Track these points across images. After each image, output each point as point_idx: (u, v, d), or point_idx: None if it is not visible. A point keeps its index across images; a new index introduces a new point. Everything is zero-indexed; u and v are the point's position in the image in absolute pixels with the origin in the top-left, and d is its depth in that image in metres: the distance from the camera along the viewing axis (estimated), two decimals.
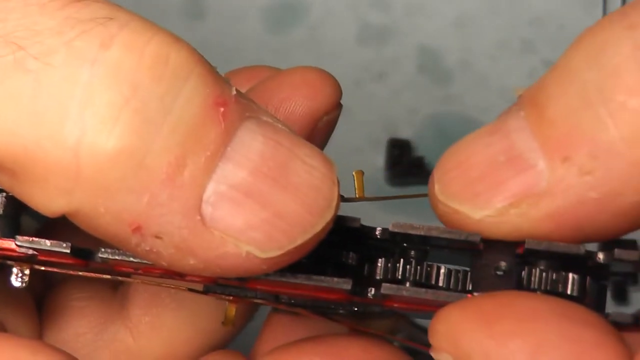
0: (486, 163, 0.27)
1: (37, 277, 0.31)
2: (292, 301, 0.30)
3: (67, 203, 0.24)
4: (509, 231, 0.27)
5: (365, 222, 0.29)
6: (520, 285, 0.28)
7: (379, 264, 0.28)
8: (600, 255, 0.27)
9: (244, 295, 0.30)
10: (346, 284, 0.27)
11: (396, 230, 0.27)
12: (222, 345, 0.34)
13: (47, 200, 0.24)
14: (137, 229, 0.24)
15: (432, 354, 0.26)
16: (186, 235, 0.24)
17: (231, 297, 0.30)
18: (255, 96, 0.32)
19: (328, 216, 0.25)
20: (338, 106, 0.33)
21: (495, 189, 0.26)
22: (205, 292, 0.29)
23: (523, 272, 0.28)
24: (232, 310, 0.31)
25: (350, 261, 0.28)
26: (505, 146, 0.27)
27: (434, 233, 0.27)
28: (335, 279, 0.27)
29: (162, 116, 0.24)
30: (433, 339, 0.26)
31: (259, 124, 0.25)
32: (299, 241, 0.25)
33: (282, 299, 0.30)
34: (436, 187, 0.27)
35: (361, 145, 0.64)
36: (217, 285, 0.29)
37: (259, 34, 0.65)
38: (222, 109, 0.25)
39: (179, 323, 0.33)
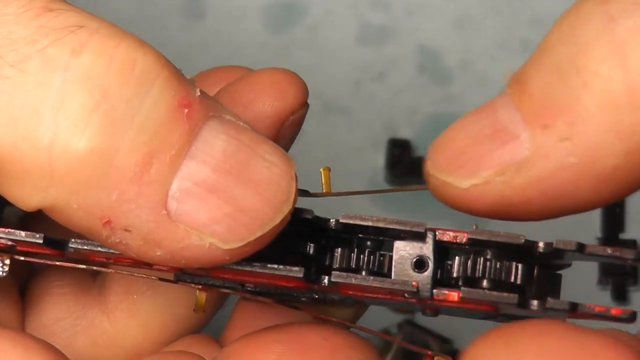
0: (473, 137, 0.28)
1: (20, 266, 0.34)
2: (257, 289, 0.32)
3: (42, 199, 0.26)
4: (495, 199, 0.28)
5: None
6: (442, 276, 0.30)
7: (336, 254, 0.30)
8: (541, 245, 0.29)
9: (212, 284, 0.31)
10: (298, 272, 0.29)
11: (345, 221, 0.29)
12: (195, 330, 0.36)
13: (24, 196, 0.26)
14: (107, 223, 0.26)
15: None
16: (153, 228, 0.26)
17: (200, 286, 0.32)
18: (226, 96, 0.34)
19: (286, 209, 0.27)
20: (304, 105, 0.35)
21: (481, 159, 0.28)
22: (175, 280, 0.31)
23: (469, 262, 0.29)
24: (202, 297, 0.32)
25: (309, 251, 0.30)
26: (491, 121, 0.29)
27: (382, 224, 0.29)
28: (288, 267, 0.29)
29: (130, 118, 0.26)
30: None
31: (222, 123, 0.27)
32: (259, 233, 0.27)
33: (247, 287, 0.31)
34: (428, 163, 0.29)
35: (361, 145, 0.64)
36: (187, 274, 0.31)
37: (259, 34, 0.65)
38: (186, 110, 0.26)
39: (154, 309, 0.35)
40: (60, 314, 0.35)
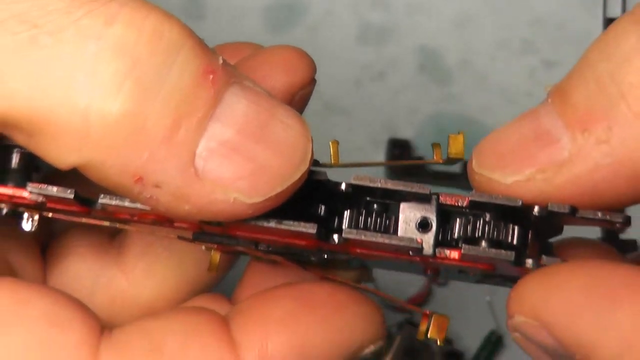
0: (517, 139, 0.31)
1: (42, 228, 0.35)
2: (270, 248, 0.33)
3: (77, 158, 0.28)
4: (535, 195, 0.31)
5: None
6: (444, 237, 0.32)
7: (346, 215, 0.32)
8: (536, 208, 0.31)
9: (227, 243, 0.33)
10: (312, 228, 0.30)
11: (356, 182, 0.31)
12: (206, 290, 0.38)
13: (61, 156, 0.28)
14: (139, 180, 0.28)
15: (511, 320, 0.30)
16: (181, 185, 0.28)
17: (215, 246, 0.34)
18: (253, 65, 0.36)
19: (303, 168, 0.29)
20: (312, 82, 0.38)
21: (525, 159, 0.31)
22: (193, 240, 0.33)
23: (469, 223, 0.32)
24: (217, 257, 0.35)
25: (321, 212, 0.32)
26: (535, 126, 0.31)
27: (389, 185, 0.31)
28: (302, 223, 0.30)
29: (160, 84, 0.28)
30: (516, 304, 0.30)
31: (243, 89, 0.29)
32: (279, 189, 0.29)
33: (260, 247, 0.33)
34: (474, 162, 0.32)
35: (361, 145, 0.64)
36: (204, 233, 0.32)
37: (259, 34, 0.65)
38: (211, 77, 0.28)
39: (169, 270, 0.37)
40: (81, 272, 0.37)
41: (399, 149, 0.62)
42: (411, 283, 0.56)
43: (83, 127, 0.28)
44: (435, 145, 0.35)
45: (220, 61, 0.29)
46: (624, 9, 0.64)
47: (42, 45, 0.28)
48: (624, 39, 0.29)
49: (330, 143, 0.34)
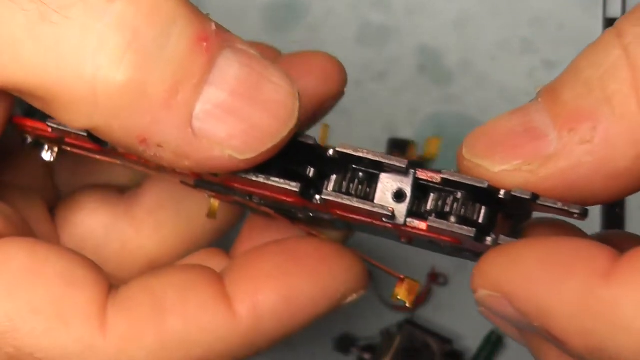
0: (507, 131, 0.33)
1: (48, 190, 0.42)
2: (262, 202, 0.36)
3: (87, 122, 0.31)
4: (520, 184, 0.33)
5: None
6: (417, 209, 0.34)
7: (332, 179, 0.35)
8: (502, 192, 0.33)
9: (225, 192, 0.36)
10: (295, 187, 0.33)
11: (341, 149, 0.34)
12: (208, 244, 0.42)
13: (72, 120, 0.32)
14: (143, 141, 0.31)
15: (476, 294, 0.33)
16: (181, 144, 0.31)
17: (214, 194, 0.37)
18: (282, 64, 0.38)
19: (291, 124, 0.32)
20: (343, 94, 0.41)
21: (513, 150, 0.33)
22: (195, 186, 0.36)
23: (440, 199, 0.34)
24: (216, 204, 0.38)
25: (309, 173, 0.34)
26: (524, 121, 0.33)
27: (371, 156, 0.34)
28: (287, 182, 0.33)
29: (158, 53, 0.31)
30: (478, 279, 0.33)
31: (235, 52, 0.32)
32: (269, 145, 0.32)
33: (254, 199, 0.36)
34: (464, 149, 0.34)
35: (361, 145, 0.64)
36: (203, 181, 0.35)
37: (259, 33, 0.65)
38: (204, 44, 0.31)
39: (175, 226, 0.41)
40: (94, 225, 0.42)
41: (398, 149, 0.62)
42: None
43: (91, 95, 0.31)
44: (410, 144, 0.37)
45: (213, 27, 0.32)
46: (624, 9, 0.64)
47: (51, 21, 0.30)
48: (608, 50, 0.32)
49: (322, 126, 0.36)
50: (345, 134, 0.64)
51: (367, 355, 0.60)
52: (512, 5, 0.65)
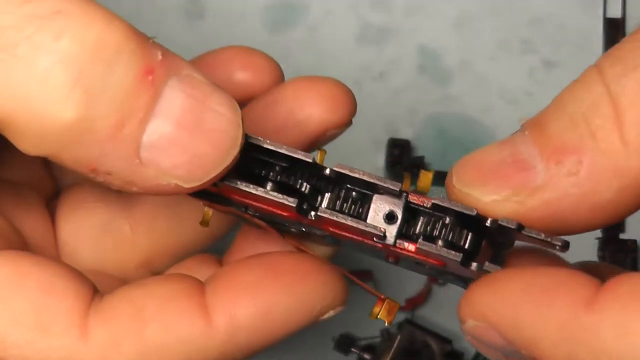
0: (496, 162, 0.34)
1: (46, 183, 0.43)
2: (257, 214, 0.37)
3: (39, 152, 0.32)
4: (509, 213, 0.34)
5: None
6: (407, 231, 0.36)
7: (327, 197, 0.36)
8: (488, 220, 0.34)
9: (222, 202, 0.37)
10: (292, 202, 0.34)
11: (338, 169, 0.35)
12: (202, 250, 0.44)
13: (26, 148, 0.33)
14: (93, 170, 0.33)
15: (463, 325, 0.35)
16: (128, 173, 0.33)
17: (209, 203, 0.38)
18: (287, 94, 0.41)
19: (234, 152, 0.33)
20: (349, 124, 0.42)
21: (502, 180, 0.34)
22: (192, 195, 0.36)
23: (430, 223, 0.36)
24: (209, 213, 0.38)
25: (305, 190, 0.36)
26: (513, 152, 0.35)
27: (366, 177, 0.35)
28: (285, 196, 0.34)
29: (104, 90, 0.31)
30: (466, 310, 0.34)
31: (180, 80, 0.33)
32: (213, 174, 0.33)
33: (249, 211, 0.37)
34: (454, 178, 0.35)
35: (361, 145, 0.64)
36: (201, 191, 0.35)
37: (259, 33, 0.65)
38: (150, 77, 0.32)
39: (170, 229, 0.43)
40: (92, 222, 0.43)
41: (398, 149, 0.62)
42: (411, 283, 0.56)
43: (40, 129, 0.31)
44: (405, 174, 0.38)
45: (159, 57, 0.32)
46: (624, 9, 0.64)
47: None
48: (593, 86, 0.33)
49: (319, 152, 0.37)
50: (345, 134, 0.64)
51: (367, 355, 0.60)
52: (512, 5, 0.65)
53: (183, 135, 0.32)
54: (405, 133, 0.64)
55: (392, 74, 0.64)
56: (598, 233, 0.62)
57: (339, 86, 0.41)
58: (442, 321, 0.62)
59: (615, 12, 0.65)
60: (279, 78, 0.43)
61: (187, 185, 0.33)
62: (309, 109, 0.40)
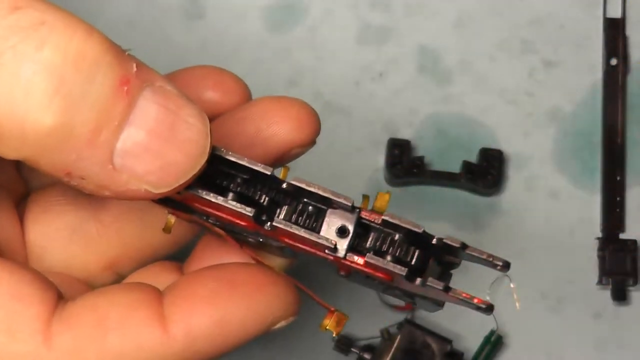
0: None
1: (16, 183, 0.44)
2: (217, 223, 0.39)
3: (17, 155, 0.34)
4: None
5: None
6: (357, 245, 0.37)
7: (284, 209, 0.38)
8: (435, 239, 0.36)
9: (184, 210, 0.39)
10: (250, 212, 0.36)
11: (294, 182, 0.37)
12: (165, 256, 0.45)
13: (4, 151, 0.34)
14: (68, 174, 0.34)
15: None
16: (102, 178, 0.34)
17: (173, 211, 0.39)
18: (255, 112, 0.42)
19: (202, 160, 0.35)
20: (313, 144, 0.43)
21: None
22: (156, 202, 0.38)
23: (380, 238, 0.37)
24: (172, 220, 0.40)
25: (264, 201, 0.37)
26: None
27: (320, 192, 0.37)
28: (243, 206, 0.36)
29: (83, 98, 0.33)
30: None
31: (153, 91, 0.34)
32: (182, 180, 0.35)
33: (209, 220, 0.39)
34: None
35: (361, 145, 0.64)
36: (166, 199, 0.37)
37: (259, 33, 0.65)
38: (125, 88, 0.34)
39: (137, 234, 0.44)
40: (61, 225, 0.44)
41: (398, 149, 0.62)
42: None
43: (20, 134, 0.33)
44: (364, 196, 0.39)
45: (134, 68, 0.34)
46: (624, 9, 0.64)
47: None
48: None
49: (282, 168, 0.39)
50: (346, 134, 0.64)
51: (367, 355, 0.60)
52: (512, 5, 0.65)
53: (155, 143, 0.34)
54: (405, 133, 0.64)
55: (392, 74, 0.64)
56: (598, 233, 0.63)
57: (305, 107, 0.42)
58: (442, 321, 0.62)
59: (615, 12, 0.65)
60: (248, 99, 0.45)
61: (157, 191, 0.35)
62: (275, 127, 0.42)
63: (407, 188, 0.63)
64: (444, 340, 0.60)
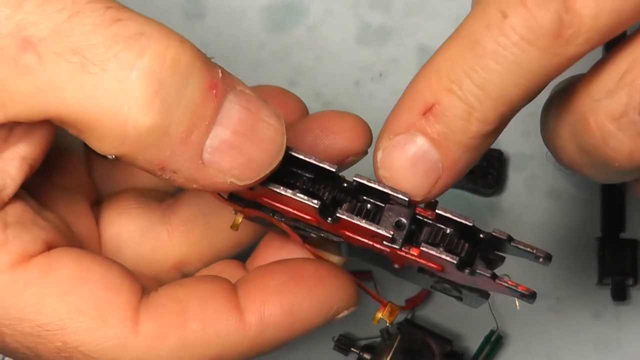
0: None
1: (89, 189, 0.49)
2: (283, 219, 0.42)
3: (115, 151, 0.38)
4: None
5: None
6: (412, 238, 0.40)
7: (344, 207, 0.40)
8: (482, 232, 0.39)
9: (253, 207, 0.42)
10: (316, 204, 0.39)
11: (357, 179, 0.40)
12: (230, 256, 0.48)
13: (103, 149, 0.38)
14: (162, 168, 0.38)
15: None
16: (192, 171, 0.38)
17: (241, 209, 0.43)
18: (314, 123, 0.46)
19: (279, 157, 0.39)
20: (365, 153, 0.46)
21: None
22: (228, 199, 0.42)
23: (432, 232, 0.40)
24: (239, 219, 0.43)
25: (327, 199, 0.41)
26: None
27: (380, 187, 0.39)
28: (309, 198, 0.39)
29: (178, 101, 0.37)
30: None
31: (237, 94, 0.38)
32: (263, 174, 0.38)
33: (276, 216, 0.42)
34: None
35: None
36: (236, 197, 0.42)
37: (259, 33, 0.65)
38: (214, 91, 0.37)
39: (203, 237, 0.47)
40: (133, 227, 0.48)
41: None
42: (410, 283, 0.56)
43: (121, 133, 0.37)
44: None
45: (220, 74, 0.38)
46: None
47: (90, 72, 0.36)
48: None
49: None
50: None
51: (367, 355, 0.60)
52: None
53: (239, 141, 0.38)
54: None
55: (392, 74, 0.64)
56: (598, 233, 0.63)
57: (359, 120, 0.46)
58: (442, 321, 0.62)
59: None
60: (306, 115, 0.49)
61: (241, 184, 0.38)
62: (332, 137, 0.45)
63: None
64: (444, 340, 0.60)
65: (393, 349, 0.59)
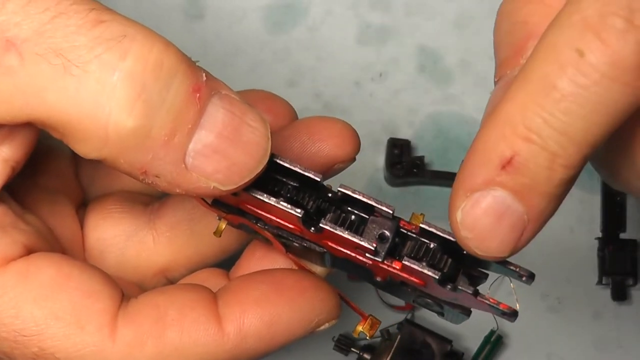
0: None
1: (74, 191, 0.48)
2: (266, 227, 0.41)
3: (97, 155, 0.37)
4: None
5: None
6: (396, 252, 0.40)
7: (328, 217, 0.40)
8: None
9: (236, 213, 0.41)
10: (299, 213, 0.39)
11: (342, 190, 0.40)
12: (213, 264, 0.48)
13: (85, 151, 0.37)
14: (144, 172, 0.37)
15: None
16: (175, 176, 0.37)
17: (224, 215, 0.42)
18: (301, 130, 0.45)
19: (264, 161, 0.38)
20: (353, 160, 0.45)
21: None
22: (212, 204, 0.42)
23: (416, 246, 0.40)
24: (222, 225, 0.43)
25: (311, 208, 0.40)
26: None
27: (365, 199, 0.39)
28: (292, 207, 0.39)
29: (161, 104, 0.36)
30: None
31: (220, 98, 0.37)
32: (247, 179, 0.38)
33: (259, 223, 0.41)
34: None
35: (361, 145, 0.64)
36: (220, 202, 0.41)
37: (259, 34, 0.65)
38: (198, 95, 0.37)
39: (188, 243, 0.47)
40: (118, 231, 0.47)
41: (398, 149, 0.62)
42: None
43: (103, 135, 0.36)
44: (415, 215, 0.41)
45: (204, 77, 0.37)
46: None
47: (72, 73, 0.36)
48: None
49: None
50: None
51: (367, 355, 0.60)
52: None
53: (223, 145, 0.37)
54: (405, 133, 0.64)
55: (392, 74, 0.64)
56: (598, 233, 0.63)
57: (347, 126, 0.45)
58: (442, 321, 0.62)
59: None
60: (294, 120, 0.48)
61: (224, 189, 0.38)
62: (319, 144, 0.44)
63: (407, 188, 0.63)
64: (444, 340, 0.60)
65: (393, 349, 0.59)
